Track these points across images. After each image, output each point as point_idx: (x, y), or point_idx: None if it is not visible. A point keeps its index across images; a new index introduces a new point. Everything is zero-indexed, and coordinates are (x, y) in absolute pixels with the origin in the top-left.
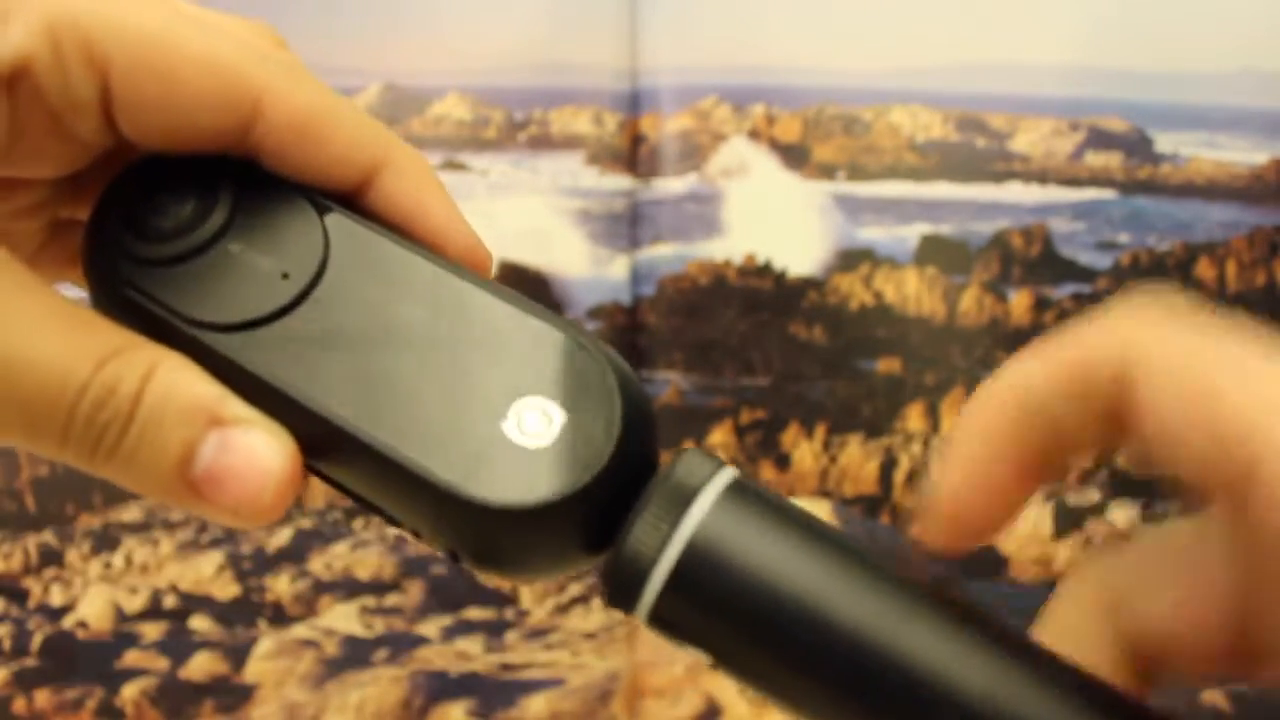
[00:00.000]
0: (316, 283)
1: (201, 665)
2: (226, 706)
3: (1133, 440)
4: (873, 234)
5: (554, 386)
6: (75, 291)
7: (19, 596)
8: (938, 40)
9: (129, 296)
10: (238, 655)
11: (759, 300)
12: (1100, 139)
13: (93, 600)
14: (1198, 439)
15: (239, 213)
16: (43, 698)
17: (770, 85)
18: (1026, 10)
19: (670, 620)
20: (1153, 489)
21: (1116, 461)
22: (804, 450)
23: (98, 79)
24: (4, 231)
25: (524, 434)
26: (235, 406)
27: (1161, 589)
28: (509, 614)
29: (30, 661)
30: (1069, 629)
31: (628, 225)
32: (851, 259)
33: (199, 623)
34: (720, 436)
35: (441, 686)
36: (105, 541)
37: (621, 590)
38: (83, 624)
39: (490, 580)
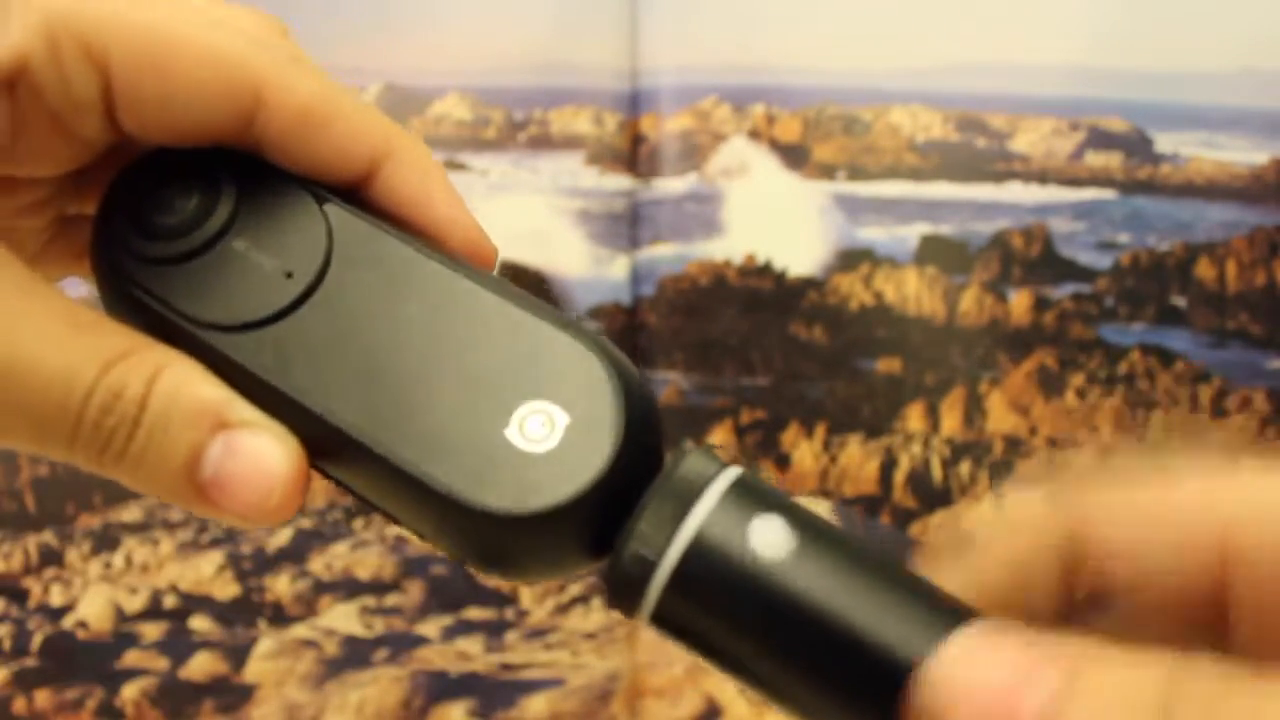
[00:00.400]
0: (319, 282)
1: (201, 665)
2: (226, 706)
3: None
4: (873, 234)
5: (556, 390)
6: (84, 287)
7: (19, 596)
8: (938, 40)
9: (136, 296)
10: (238, 655)
11: (759, 300)
12: (1100, 139)
13: (93, 600)
14: None
15: (243, 209)
16: (43, 698)
17: (770, 85)
18: (1026, 10)
19: (673, 622)
20: None
21: None
22: (804, 450)
23: (98, 76)
24: (8, 229)
25: (526, 439)
26: (241, 409)
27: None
28: (509, 614)
29: (30, 661)
30: (1020, 545)
31: (628, 225)
32: (851, 259)
33: (199, 623)
34: (720, 436)
35: (441, 686)
36: (105, 541)
37: (623, 592)
38: (83, 624)
39: (493, 581)
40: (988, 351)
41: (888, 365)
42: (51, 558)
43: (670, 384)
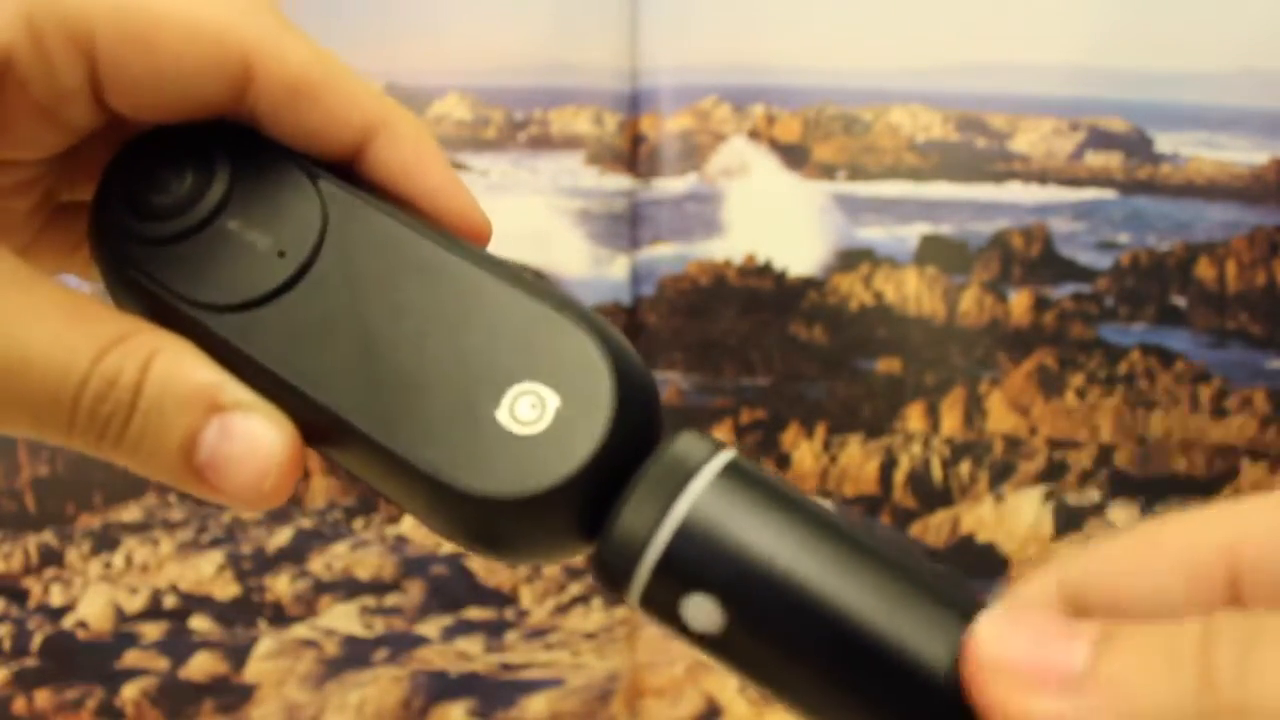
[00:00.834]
0: (313, 261)
1: (201, 665)
2: (226, 706)
3: None
4: (873, 234)
5: (547, 371)
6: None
7: (19, 596)
8: (938, 40)
9: (132, 277)
10: (238, 655)
11: (759, 300)
12: (1100, 139)
13: (93, 600)
14: None
15: (237, 187)
16: (43, 698)
17: (770, 85)
18: (1026, 10)
19: (662, 605)
20: (1153, 489)
21: (1116, 462)
22: (804, 450)
23: (83, 62)
24: None
25: (517, 421)
26: (234, 391)
27: (1115, 571)
28: (509, 614)
29: (30, 661)
30: (1028, 597)
31: (628, 225)
32: (851, 259)
33: (199, 623)
34: (720, 436)
35: (441, 686)
36: (105, 541)
37: (612, 574)
38: (83, 624)
39: (487, 560)
40: (988, 351)
41: (888, 365)
42: (51, 558)
43: (670, 384)
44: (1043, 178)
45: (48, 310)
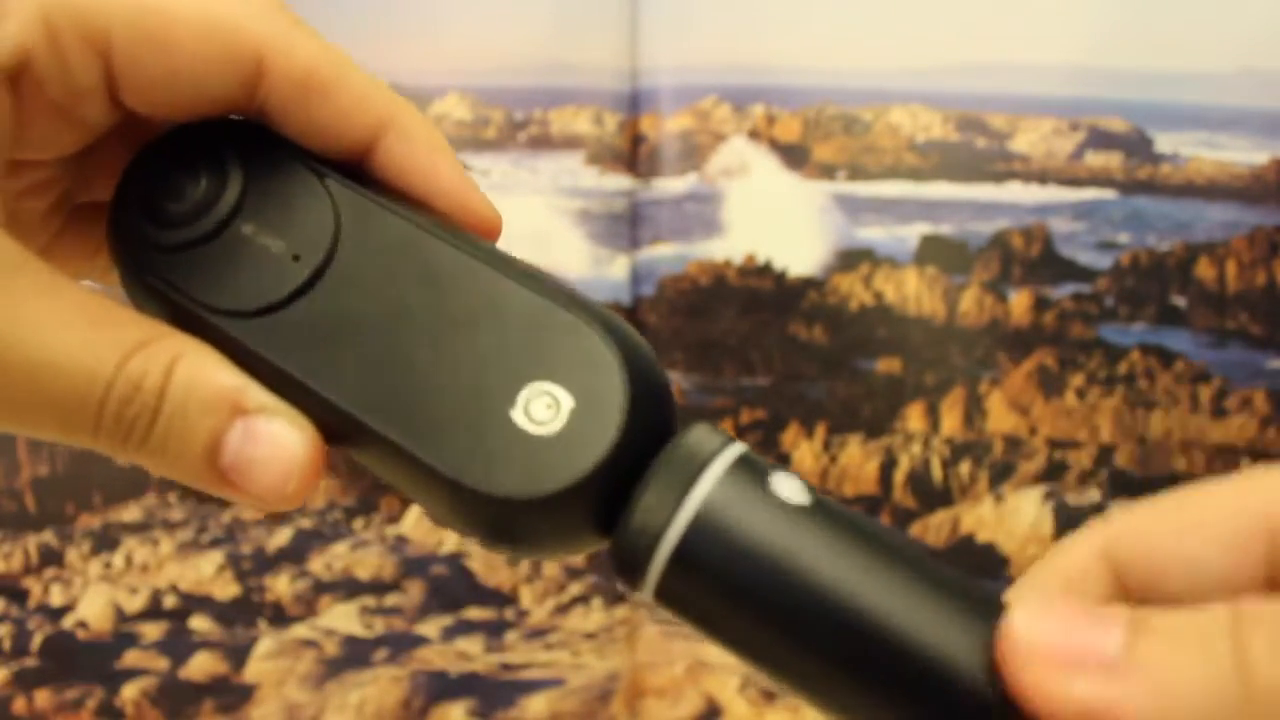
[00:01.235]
0: (327, 265)
1: (201, 665)
2: (226, 706)
3: None
4: (873, 234)
5: (561, 370)
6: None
7: (19, 596)
8: (938, 40)
9: (151, 284)
10: (238, 655)
11: (759, 300)
12: (1100, 139)
13: (93, 600)
14: None
15: (250, 191)
16: (43, 698)
17: (770, 85)
18: (1026, 10)
19: (677, 596)
20: (1153, 489)
21: (1116, 462)
22: (804, 450)
23: (99, 61)
24: (14, 211)
25: (531, 422)
26: (257, 395)
27: (1164, 528)
28: (509, 614)
29: (30, 661)
30: (1069, 562)
31: (628, 225)
32: (851, 259)
33: (199, 623)
34: None
35: (441, 686)
36: (105, 541)
37: (628, 566)
38: (83, 624)
39: (504, 557)
40: (988, 351)
41: (888, 365)
42: (51, 558)
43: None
44: (1043, 178)
45: (72, 315)
